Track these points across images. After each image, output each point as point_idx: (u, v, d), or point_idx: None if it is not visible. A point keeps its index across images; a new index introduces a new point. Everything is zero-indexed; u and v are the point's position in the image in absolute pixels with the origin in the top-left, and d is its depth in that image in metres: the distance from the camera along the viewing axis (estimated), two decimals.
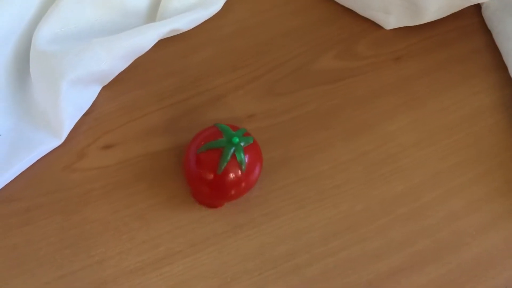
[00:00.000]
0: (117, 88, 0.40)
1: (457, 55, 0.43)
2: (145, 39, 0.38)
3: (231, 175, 0.33)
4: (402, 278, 0.35)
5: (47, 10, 0.39)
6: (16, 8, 0.39)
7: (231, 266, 0.35)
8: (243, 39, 0.43)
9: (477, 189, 0.38)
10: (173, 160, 0.38)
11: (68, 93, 0.36)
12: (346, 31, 0.44)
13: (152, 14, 0.42)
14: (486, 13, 0.44)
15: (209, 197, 0.35)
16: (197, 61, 0.42)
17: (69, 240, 0.35)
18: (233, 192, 0.34)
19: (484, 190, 0.38)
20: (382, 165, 0.39)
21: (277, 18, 0.44)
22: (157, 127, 0.39)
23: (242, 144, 0.33)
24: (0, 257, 0.34)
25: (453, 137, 0.40)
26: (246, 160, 0.33)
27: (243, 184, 0.34)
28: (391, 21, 0.43)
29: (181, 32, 0.41)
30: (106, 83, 0.40)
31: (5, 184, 0.36)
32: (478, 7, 0.45)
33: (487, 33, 0.44)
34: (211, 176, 0.33)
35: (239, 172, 0.33)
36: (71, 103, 0.36)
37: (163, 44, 0.41)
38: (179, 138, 0.39)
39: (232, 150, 0.33)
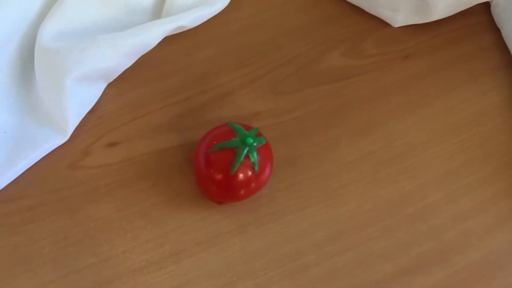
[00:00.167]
0: (121, 85, 0.40)
1: (466, 53, 0.43)
2: (150, 36, 0.38)
3: (243, 176, 0.32)
4: (408, 278, 0.35)
5: (52, 7, 0.39)
6: (21, 5, 0.39)
7: (237, 265, 0.34)
8: (249, 37, 0.43)
9: (485, 189, 0.38)
10: (178, 158, 0.37)
11: (72, 90, 0.36)
12: (353, 29, 0.43)
13: (158, 11, 0.42)
14: (495, 11, 0.44)
15: (218, 196, 0.35)
16: (202, 58, 0.42)
17: (73, 238, 0.35)
18: (243, 192, 0.33)
19: (492, 190, 0.38)
20: (389, 164, 0.38)
21: (283, 16, 0.44)
22: (161, 125, 0.39)
23: (255, 144, 0.33)
24: (4, 255, 0.34)
25: (460, 136, 0.40)
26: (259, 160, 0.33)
27: (254, 185, 0.33)
28: (398, 19, 0.43)
29: (186, 29, 0.40)
30: (110, 80, 0.39)
31: (10, 181, 0.35)
32: (487, 4, 0.45)
33: (496, 31, 0.44)
34: (223, 176, 0.33)
35: (252, 173, 0.33)
36: (76, 100, 0.36)
37: (168, 41, 0.41)
38: (183, 136, 0.38)
39: (245, 151, 0.32)
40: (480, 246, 0.36)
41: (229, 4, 0.42)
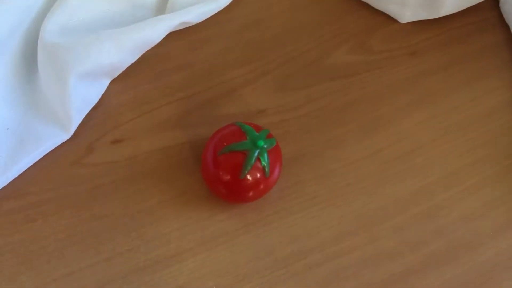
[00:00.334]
0: (126, 81, 0.39)
1: (474, 50, 0.42)
2: (154, 32, 0.37)
3: (253, 179, 0.32)
4: (416, 279, 0.34)
5: (55, 2, 0.38)
6: (24, 0, 0.38)
7: (242, 264, 0.34)
8: (254, 33, 0.42)
9: (494, 188, 0.37)
10: (183, 156, 0.37)
11: (76, 86, 0.35)
12: (360, 24, 0.43)
13: (162, 7, 0.41)
14: (504, 7, 0.43)
15: (226, 198, 0.34)
16: (207, 54, 0.41)
17: (77, 237, 0.34)
18: (251, 194, 0.33)
19: (501, 189, 0.37)
20: (397, 162, 0.38)
21: (289, 11, 0.43)
22: (166, 122, 0.38)
23: (265, 147, 0.32)
24: (8, 253, 0.34)
25: (469, 134, 0.39)
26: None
27: (263, 187, 0.33)
28: (406, 14, 0.42)
29: (191, 24, 0.40)
30: (114, 76, 0.39)
31: (13, 178, 0.35)
32: (496, 1, 0.44)
33: (505, 28, 0.43)
34: (232, 179, 0.32)
35: (261, 175, 0.32)
36: (80, 96, 0.36)
37: (172, 37, 0.40)
38: (189, 133, 0.38)
39: (256, 154, 0.32)
40: (490, 246, 0.35)
41: None
